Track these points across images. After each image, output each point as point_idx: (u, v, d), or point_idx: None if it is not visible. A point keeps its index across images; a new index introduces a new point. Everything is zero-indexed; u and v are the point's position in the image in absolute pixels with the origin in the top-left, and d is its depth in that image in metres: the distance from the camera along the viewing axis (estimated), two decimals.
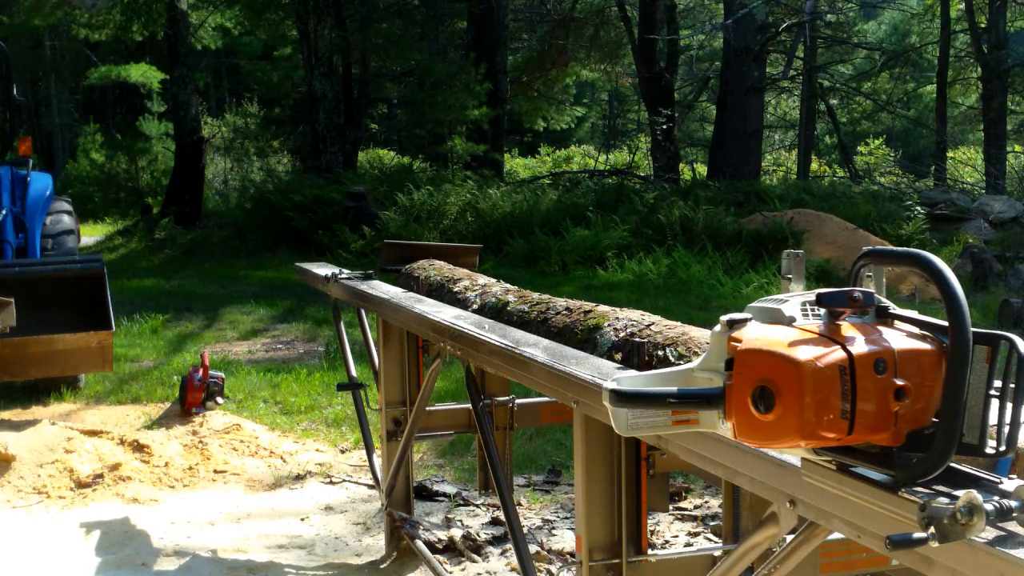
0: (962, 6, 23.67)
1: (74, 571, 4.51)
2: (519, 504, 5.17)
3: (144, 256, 17.63)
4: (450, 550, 4.57)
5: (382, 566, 4.54)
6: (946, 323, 1.43)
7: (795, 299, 1.56)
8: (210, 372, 6.86)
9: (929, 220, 16.15)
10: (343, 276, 4.57)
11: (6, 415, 6.78)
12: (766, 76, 23.13)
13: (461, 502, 5.25)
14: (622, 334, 2.60)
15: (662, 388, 1.60)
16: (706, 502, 5.15)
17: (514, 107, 26.35)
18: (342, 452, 6.21)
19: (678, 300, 11.87)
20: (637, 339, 2.51)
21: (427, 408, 4.21)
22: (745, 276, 13.18)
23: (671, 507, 5.01)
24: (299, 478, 5.74)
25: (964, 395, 1.40)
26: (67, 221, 7.96)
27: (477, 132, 21.38)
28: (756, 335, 1.51)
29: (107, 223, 22.66)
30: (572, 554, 4.45)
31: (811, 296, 1.54)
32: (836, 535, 1.83)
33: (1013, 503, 1.37)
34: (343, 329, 5.17)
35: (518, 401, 4.31)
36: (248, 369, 8.27)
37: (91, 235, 19.68)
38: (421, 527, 4.58)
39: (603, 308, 2.87)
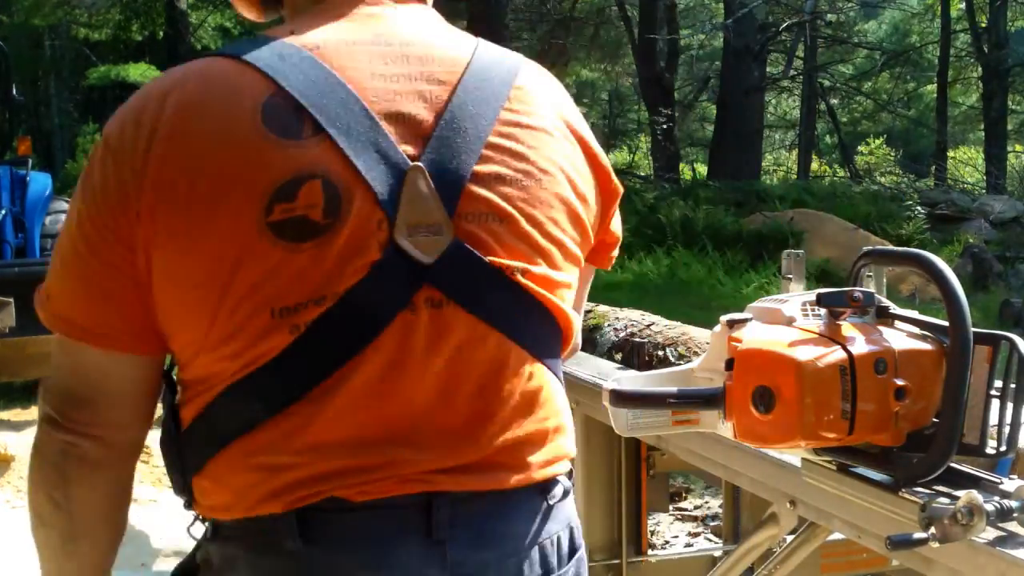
0: (962, 6, 23.66)
1: None
2: None
3: None
4: None
5: None
6: (946, 323, 1.43)
7: (795, 299, 1.55)
8: None
9: (929, 220, 16.12)
10: None
11: (6, 415, 6.77)
12: (766, 76, 23.11)
13: None
14: (622, 334, 2.60)
15: (662, 388, 1.60)
16: (706, 502, 5.15)
17: None
18: None
19: (678, 300, 11.85)
20: (637, 339, 2.51)
21: None
22: (745, 276, 13.17)
23: (671, 507, 5.01)
24: None
25: (964, 395, 1.40)
26: None
27: None
28: (756, 335, 1.50)
29: None
30: None
31: (811, 296, 1.53)
32: (836, 535, 1.83)
33: (1014, 503, 1.37)
34: None
35: None
36: None
37: None
38: None
39: (603, 308, 2.87)
